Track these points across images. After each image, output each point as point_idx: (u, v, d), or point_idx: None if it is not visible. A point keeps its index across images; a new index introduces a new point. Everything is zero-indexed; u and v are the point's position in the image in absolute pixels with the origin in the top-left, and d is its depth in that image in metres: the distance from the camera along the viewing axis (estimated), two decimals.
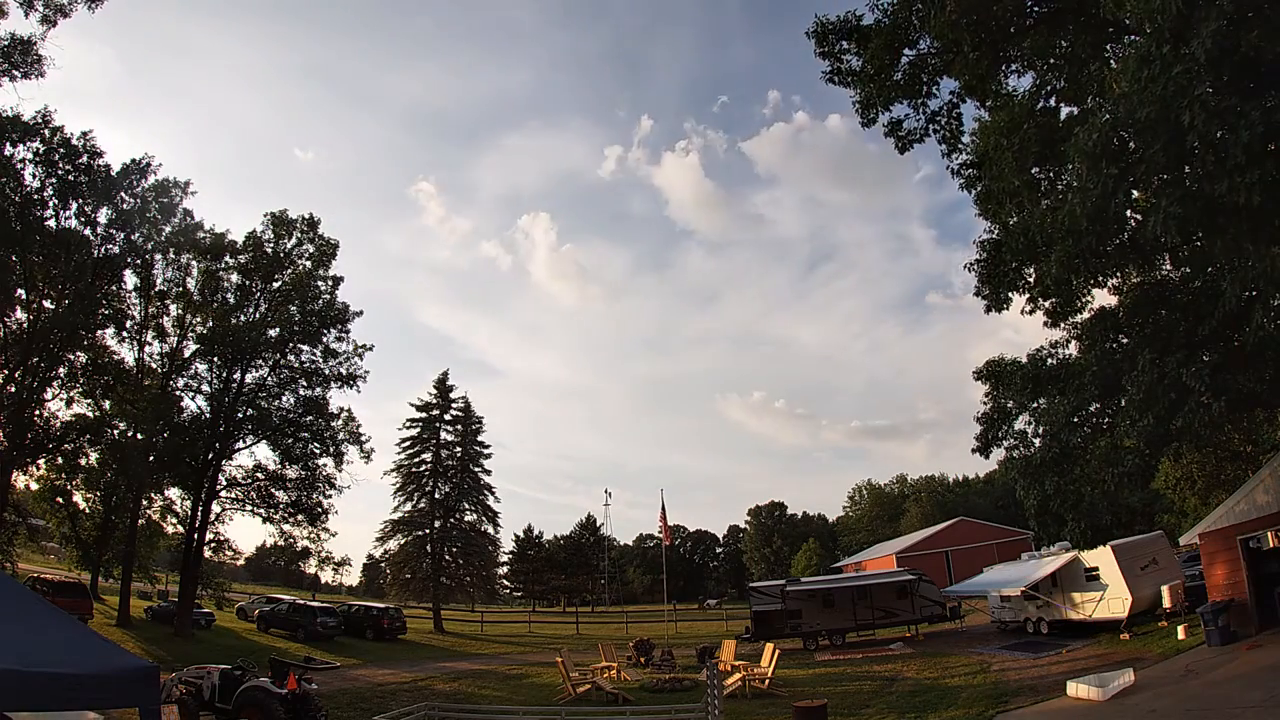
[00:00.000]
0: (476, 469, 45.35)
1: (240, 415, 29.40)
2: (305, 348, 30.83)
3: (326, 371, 31.16)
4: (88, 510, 29.72)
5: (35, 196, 24.30)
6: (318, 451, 30.71)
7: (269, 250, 30.44)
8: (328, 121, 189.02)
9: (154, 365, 29.56)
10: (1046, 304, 14.53)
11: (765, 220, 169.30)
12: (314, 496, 30.53)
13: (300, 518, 30.39)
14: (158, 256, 29.16)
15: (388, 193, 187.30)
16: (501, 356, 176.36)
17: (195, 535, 28.71)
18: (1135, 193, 9.65)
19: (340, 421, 31.45)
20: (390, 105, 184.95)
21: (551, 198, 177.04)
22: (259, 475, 30.22)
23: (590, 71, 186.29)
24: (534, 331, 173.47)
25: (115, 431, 27.72)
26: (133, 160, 27.24)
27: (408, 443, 44.75)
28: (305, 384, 30.98)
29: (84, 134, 25.33)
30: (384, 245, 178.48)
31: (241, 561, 45.94)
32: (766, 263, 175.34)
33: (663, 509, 33.18)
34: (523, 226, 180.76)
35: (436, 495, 43.69)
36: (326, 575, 52.07)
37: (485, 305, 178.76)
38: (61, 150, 24.66)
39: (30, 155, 24.15)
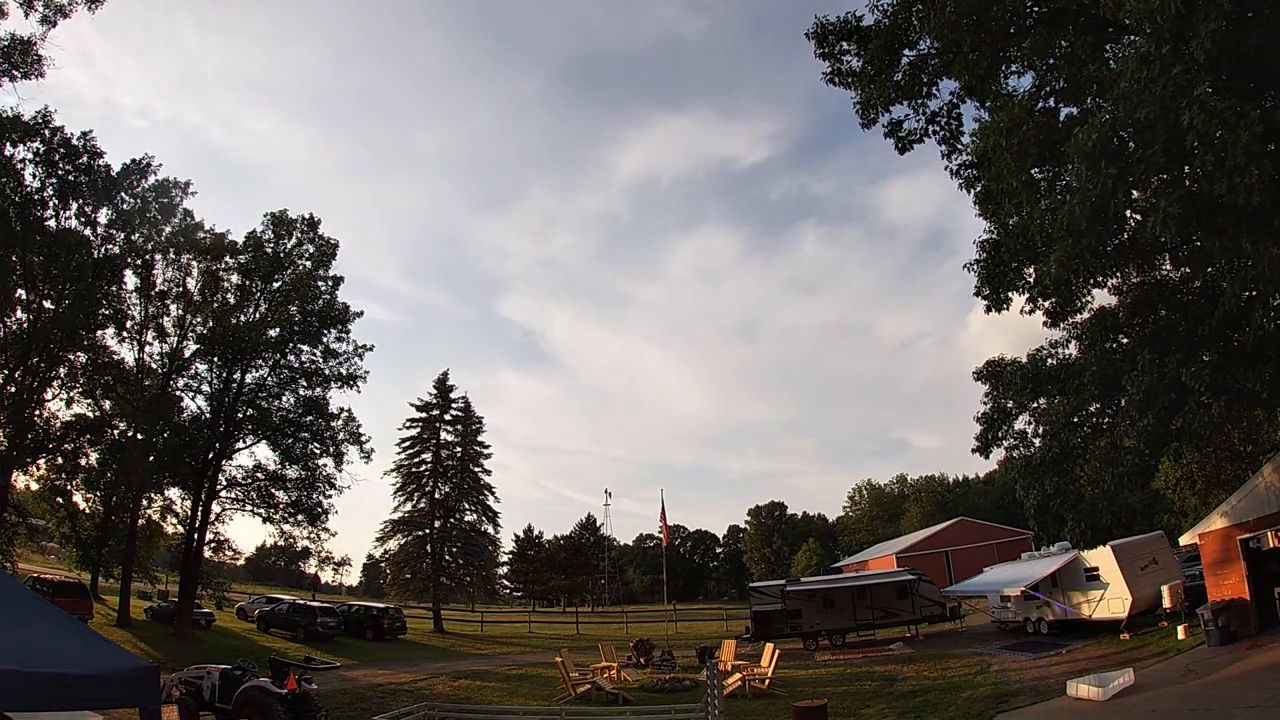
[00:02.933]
0: (476, 469, 45.41)
1: (240, 415, 29.42)
2: (305, 348, 30.89)
3: (326, 372, 31.22)
4: (88, 510, 29.73)
5: (35, 196, 24.36)
6: (318, 451, 30.77)
7: (269, 250, 30.43)
8: (474, 81, 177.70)
9: (154, 365, 29.56)
10: (1046, 304, 14.52)
11: (888, 206, 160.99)
12: (314, 496, 30.57)
13: (300, 518, 30.42)
14: (158, 256, 29.20)
15: (508, 173, 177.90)
16: (573, 348, 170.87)
17: (195, 535, 28.71)
18: (1135, 193, 9.65)
19: (340, 421, 31.53)
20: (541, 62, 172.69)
21: (689, 183, 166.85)
22: (259, 475, 30.24)
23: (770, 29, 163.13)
24: (619, 324, 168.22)
25: (115, 431, 27.73)
26: (133, 160, 27.40)
27: (408, 443, 44.81)
28: (305, 384, 31.04)
29: (84, 134, 25.49)
30: (487, 230, 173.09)
31: (241, 561, 45.84)
32: (874, 249, 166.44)
33: (662, 509, 33.44)
34: (643, 209, 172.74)
35: (436, 495, 43.71)
36: (326, 575, 52.13)
37: (577, 294, 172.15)
38: (61, 150, 24.72)
39: (30, 155, 24.24)
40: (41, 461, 26.79)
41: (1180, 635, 17.25)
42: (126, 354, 28.99)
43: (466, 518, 45.08)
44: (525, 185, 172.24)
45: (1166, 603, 19.08)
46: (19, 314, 25.22)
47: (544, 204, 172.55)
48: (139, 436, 27.21)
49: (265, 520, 30.36)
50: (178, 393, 29.65)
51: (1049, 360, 15.45)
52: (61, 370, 26.40)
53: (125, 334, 28.31)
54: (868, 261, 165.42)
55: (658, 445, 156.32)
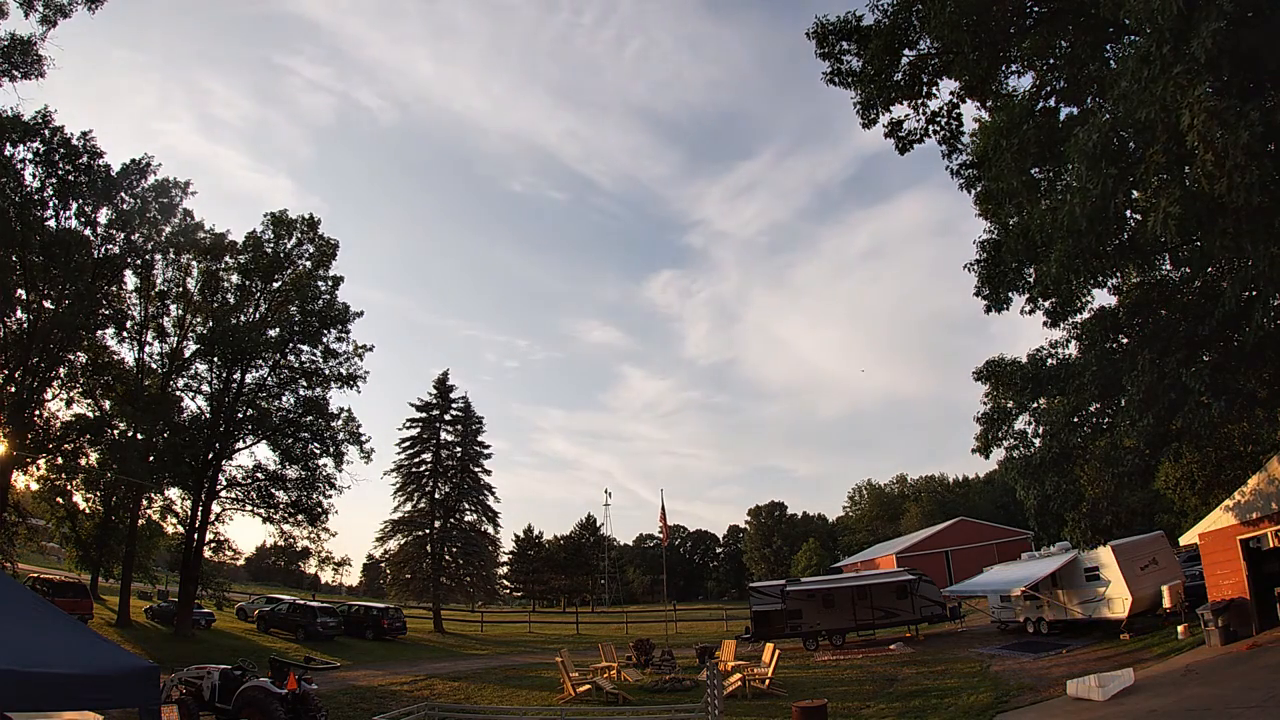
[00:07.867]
0: (476, 469, 45.41)
1: (240, 415, 29.41)
2: (305, 348, 30.90)
3: (326, 372, 31.23)
4: (88, 510, 29.67)
5: (35, 196, 24.31)
6: (318, 451, 30.75)
7: (269, 250, 30.45)
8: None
9: (154, 365, 29.54)
10: (1046, 304, 14.52)
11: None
12: (314, 496, 30.56)
13: (300, 518, 30.41)
14: (158, 256, 29.18)
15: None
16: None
17: (195, 535, 28.71)
18: (1135, 193, 9.66)
19: (340, 421, 31.51)
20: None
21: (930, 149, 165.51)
22: (259, 475, 30.23)
23: None
24: (774, 304, 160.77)
25: (115, 431, 27.70)
26: (132, 160, 27.34)
27: (408, 443, 44.80)
28: (305, 384, 31.04)
29: (84, 134, 25.40)
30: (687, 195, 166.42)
31: (241, 561, 45.86)
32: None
33: (662, 509, 33.20)
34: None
35: (436, 495, 43.73)
36: (326, 575, 52.17)
37: (731, 272, 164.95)
38: (61, 150, 24.67)
39: (30, 155, 24.20)
40: (41, 461, 26.73)
41: (1180, 635, 17.25)
42: (126, 354, 29.02)
43: (466, 518, 45.12)
44: (753, 148, 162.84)
45: (1167, 603, 19.08)
46: (19, 314, 25.18)
47: (754, 169, 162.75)
48: (139, 436, 27.20)
49: (265, 520, 30.35)
50: (178, 393, 29.66)
51: (1049, 360, 15.44)
52: (61, 370, 26.37)
53: (125, 334, 28.30)
54: None
55: (754, 443, 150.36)
